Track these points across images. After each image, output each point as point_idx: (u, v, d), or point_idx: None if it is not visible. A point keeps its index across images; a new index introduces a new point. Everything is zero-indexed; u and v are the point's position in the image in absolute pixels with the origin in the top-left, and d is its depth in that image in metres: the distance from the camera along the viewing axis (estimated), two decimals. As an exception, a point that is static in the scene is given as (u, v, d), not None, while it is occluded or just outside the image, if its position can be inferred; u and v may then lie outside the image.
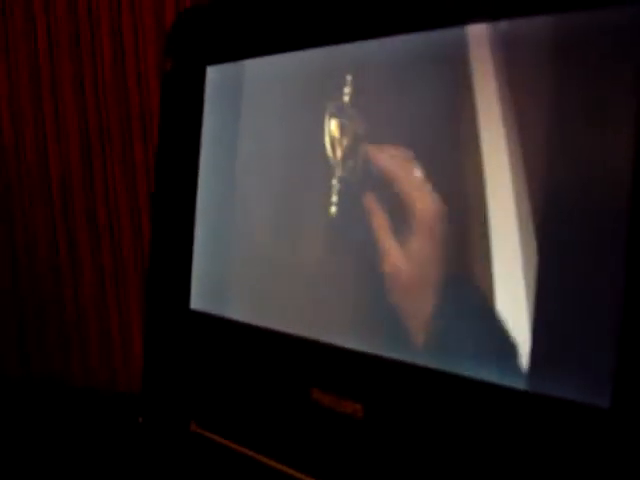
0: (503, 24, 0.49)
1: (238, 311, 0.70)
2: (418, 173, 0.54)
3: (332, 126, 0.60)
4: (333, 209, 0.60)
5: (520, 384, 0.47)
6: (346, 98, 0.59)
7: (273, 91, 0.66)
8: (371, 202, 0.57)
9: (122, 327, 1.06)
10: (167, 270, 0.76)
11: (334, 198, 0.60)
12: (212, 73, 0.71)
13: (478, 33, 0.50)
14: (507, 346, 0.48)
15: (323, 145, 0.61)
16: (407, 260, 0.55)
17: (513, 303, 0.48)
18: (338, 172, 0.60)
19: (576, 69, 0.45)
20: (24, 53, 1.08)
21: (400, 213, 0.55)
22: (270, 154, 0.67)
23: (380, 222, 0.57)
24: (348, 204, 0.59)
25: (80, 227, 1.08)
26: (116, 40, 1.00)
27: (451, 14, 0.52)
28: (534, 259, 0.46)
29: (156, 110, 0.98)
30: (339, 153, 0.60)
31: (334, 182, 0.60)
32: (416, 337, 0.54)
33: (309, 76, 0.63)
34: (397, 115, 0.56)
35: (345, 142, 0.59)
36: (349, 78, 0.59)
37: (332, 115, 0.60)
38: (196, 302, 0.73)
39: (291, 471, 0.62)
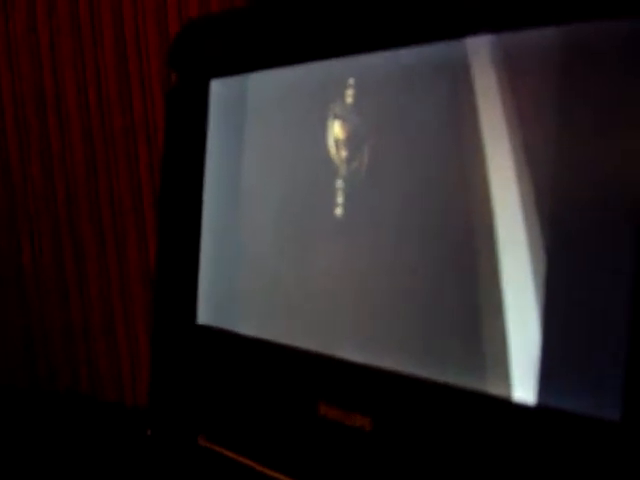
0: (506, 36, 0.49)
1: (244, 325, 0.69)
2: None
3: (335, 127, 0.60)
4: (339, 210, 0.60)
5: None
6: (349, 100, 0.59)
7: (277, 102, 0.67)
8: None
9: (129, 340, 1.06)
10: (174, 285, 0.76)
11: (339, 199, 0.60)
12: (216, 86, 0.71)
13: (482, 43, 0.50)
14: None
15: (327, 149, 0.61)
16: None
17: (523, 318, 0.47)
18: (342, 173, 0.60)
19: (581, 80, 0.45)
20: (27, 64, 1.09)
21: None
22: (275, 163, 0.67)
23: None
24: (354, 204, 0.59)
25: (86, 237, 1.08)
26: (119, 46, 1.01)
27: (456, 25, 0.52)
28: (542, 274, 0.46)
29: (159, 116, 0.98)
30: (343, 154, 0.60)
31: (339, 183, 0.60)
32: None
33: (312, 84, 0.63)
34: (401, 117, 0.56)
35: (349, 143, 0.59)
36: (351, 81, 0.59)
37: (336, 116, 0.60)
38: (203, 317, 0.73)
39: (300, 484, 0.61)
